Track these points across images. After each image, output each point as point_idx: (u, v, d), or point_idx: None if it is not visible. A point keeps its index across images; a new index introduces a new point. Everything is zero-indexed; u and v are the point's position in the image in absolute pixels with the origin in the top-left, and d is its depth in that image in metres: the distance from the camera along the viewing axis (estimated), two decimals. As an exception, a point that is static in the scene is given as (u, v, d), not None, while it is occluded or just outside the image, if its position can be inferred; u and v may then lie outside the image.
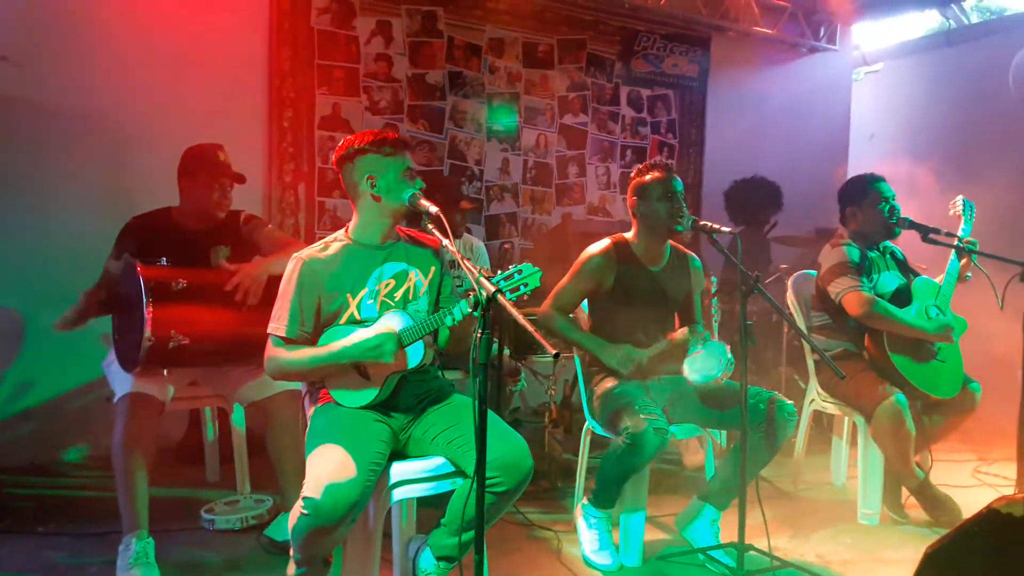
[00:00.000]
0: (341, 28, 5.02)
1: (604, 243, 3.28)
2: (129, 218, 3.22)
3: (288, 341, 2.43)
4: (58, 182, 4.15)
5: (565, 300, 3.26)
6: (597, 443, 3.22)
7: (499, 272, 2.17)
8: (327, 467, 2.15)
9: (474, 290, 2.07)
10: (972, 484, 4.11)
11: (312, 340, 2.47)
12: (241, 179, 3.30)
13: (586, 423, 3.30)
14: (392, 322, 2.39)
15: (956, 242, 3.53)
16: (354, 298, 2.47)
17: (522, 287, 2.13)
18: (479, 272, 2.08)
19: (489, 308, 2.00)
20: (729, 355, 2.94)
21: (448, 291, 2.66)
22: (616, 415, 2.92)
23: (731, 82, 6.55)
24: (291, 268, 2.46)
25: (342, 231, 2.59)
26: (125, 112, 4.31)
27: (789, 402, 2.98)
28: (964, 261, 3.52)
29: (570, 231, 5.53)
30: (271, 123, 4.81)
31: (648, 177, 3.22)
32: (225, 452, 3.77)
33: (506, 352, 4.10)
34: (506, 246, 4.67)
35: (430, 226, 2.39)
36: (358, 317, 2.47)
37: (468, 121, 5.52)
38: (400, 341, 2.35)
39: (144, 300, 2.74)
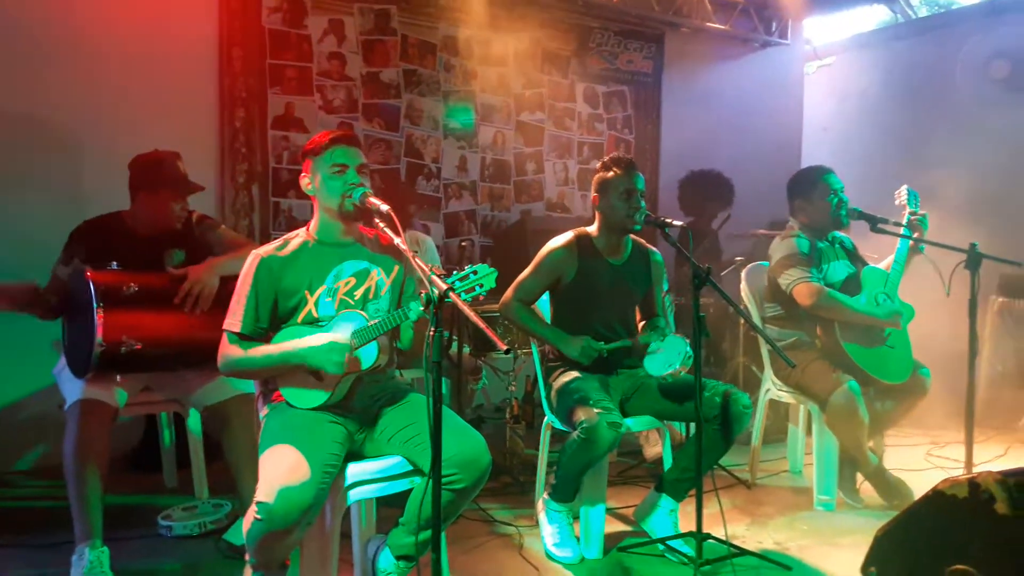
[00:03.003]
0: (293, 27, 4.98)
1: (566, 236, 3.30)
2: (80, 222, 3.16)
3: (243, 337, 2.42)
4: (6, 187, 4.06)
5: (526, 292, 3.27)
6: (558, 437, 3.23)
7: (455, 272, 2.16)
8: (280, 470, 2.13)
9: (426, 287, 2.07)
10: (925, 467, 4.20)
11: (268, 336, 2.46)
12: (201, 188, 3.27)
13: (546, 418, 3.32)
14: (344, 330, 2.37)
15: (906, 218, 3.60)
16: (312, 295, 2.47)
17: (477, 287, 2.12)
18: (431, 270, 2.08)
19: (441, 306, 2.00)
20: (688, 348, 2.98)
21: (411, 291, 2.65)
22: (571, 410, 2.94)
23: (685, 78, 6.61)
24: (248, 264, 2.46)
25: (304, 229, 2.59)
26: (74, 114, 4.24)
27: (744, 395, 3.02)
28: (912, 244, 3.59)
29: (529, 228, 5.55)
30: (223, 123, 4.75)
31: (610, 174, 3.22)
32: (182, 457, 3.71)
33: (466, 350, 4.11)
34: (464, 244, 4.67)
35: (381, 224, 2.38)
36: (315, 314, 2.46)
37: (424, 119, 5.51)
38: (351, 348, 2.33)
39: (94, 305, 2.70)
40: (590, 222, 3.37)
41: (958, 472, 3.63)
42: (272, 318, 2.47)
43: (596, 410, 2.84)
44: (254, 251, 2.50)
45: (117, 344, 2.73)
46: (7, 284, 2.99)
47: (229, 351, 2.42)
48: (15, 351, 3.86)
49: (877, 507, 3.57)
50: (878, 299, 3.58)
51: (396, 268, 2.62)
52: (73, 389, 2.89)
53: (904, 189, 3.68)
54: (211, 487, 3.58)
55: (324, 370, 2.31)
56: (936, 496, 2.09)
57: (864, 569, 2.21)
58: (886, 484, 3.58)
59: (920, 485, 3.52)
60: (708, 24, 6.48)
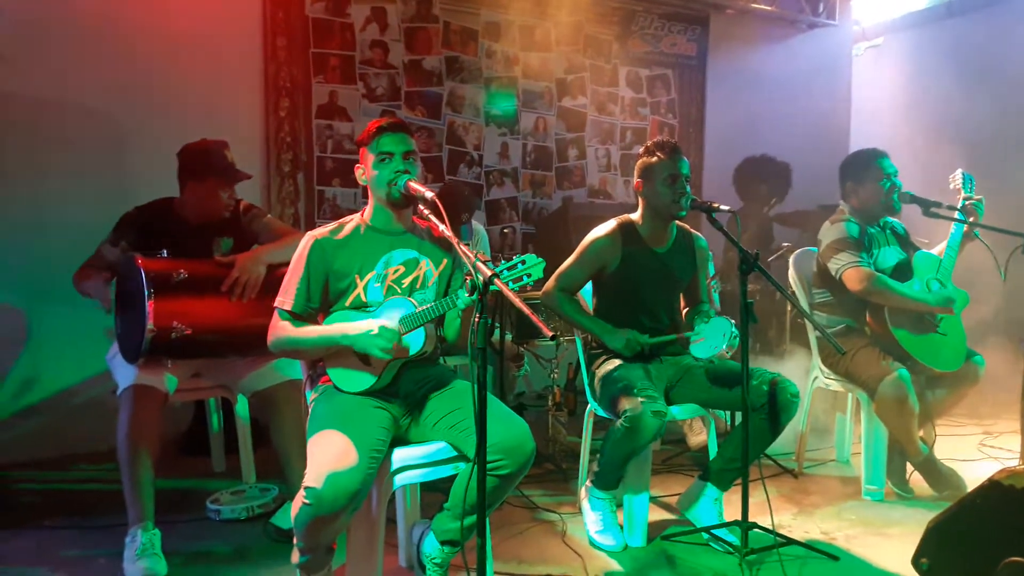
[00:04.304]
0: (336, 16, 5.01)
1: (610, 225, 3.26)
2: (130, 208, 3.22)
3: (295, 316, 2.46)
4: (56, 178, 4.15)
5: (570, 281, 3.25)
6: (600, 425, 3.22)
7: (502, 261, 2.16)
8: (328, 456, 2.15)
9: (471, 274, 2.07)
10: (978, 458, 4.09)
11: (318, 317, 2.51)
12: (248, 177, 3.31)
13: (588, 405, 3.31)
14: (393, 316, 2.40)
15: (960, 203, 3.51)
16: (362, 279, 2.49)
17: (525, 277, 2.12)
18: (475, 257, 2.08)
19: (486, 292, 2.00)
20: (734, 328, 2.93)
21: (458, 283, 2.65)
22: (615, 398, 2.92)
23: (730, 60, 6.51)
24: (302, 245, 2.51)
25: (359, 214, 2.62)
26: (121, 105, 4.32)
27: (792, 383, 2.97)
28: (966, 229, 3.50)
29: (571, 214, 5.51)
30: (267, 113, 4.80)
31: (654, 159, 3.16)
32: (230, 442, 3.79)
33: (508, 337, 4.11)
34: (507, 231, 4.66)
35: (425, 211, 2.38)
36: (364, 299, 2.49)
37: (466, 106, 5.51)
38: (399, 334, 2.35)
39: (145, 292, 2.75)
40: (633, 209, 3.33)
41: (1012, 463, 3.55)
42: (323, 299, 2.51)
43: (640, 399, 2.82)
44: (309, 233, 2.54)
45: (167, 330, 2.78)
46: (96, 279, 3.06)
47: (280, 329, 2.46)
48: (70, 338, 3.98)
49: (927, 497, 3.50)
50: (930, 285, 3.49)
51: (445, 261, 2.62)
52: (125, 375, 2.95)
53: (959, 173, 3.58)
54: (258, 472, 3.65)
55: (371, 355, 2.33)
56: (993, 486, 2.04)
57: (916, 560, 2.17)
58: (937, 474, 3.50)
59: (972, 476, 3.45)
60: (754, 5, 6.38)
